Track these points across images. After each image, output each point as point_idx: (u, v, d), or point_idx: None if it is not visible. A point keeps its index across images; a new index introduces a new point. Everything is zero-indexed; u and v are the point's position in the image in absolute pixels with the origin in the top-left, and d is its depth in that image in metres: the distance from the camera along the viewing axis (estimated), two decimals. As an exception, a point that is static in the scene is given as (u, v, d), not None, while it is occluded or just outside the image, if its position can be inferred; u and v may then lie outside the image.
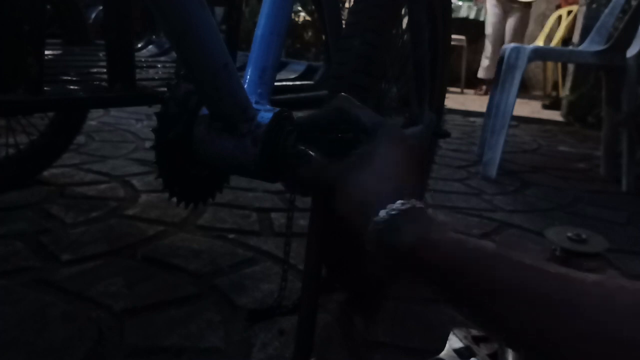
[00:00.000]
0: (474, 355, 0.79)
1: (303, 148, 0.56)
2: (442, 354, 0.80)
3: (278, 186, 1.55)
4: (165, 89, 0.66)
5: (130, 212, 1.32)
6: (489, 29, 4.71)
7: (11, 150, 1.40)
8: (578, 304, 0.32)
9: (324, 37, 1.49)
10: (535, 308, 0.34)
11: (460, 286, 0.38)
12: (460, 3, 4.98)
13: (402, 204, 0.43)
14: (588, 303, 0.32)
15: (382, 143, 0.50)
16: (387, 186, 0.46)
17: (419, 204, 0.45)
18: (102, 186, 1.49)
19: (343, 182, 0.49)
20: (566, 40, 4.39)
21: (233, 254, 1.13)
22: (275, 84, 0.73)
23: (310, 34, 4.21)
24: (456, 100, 4.16)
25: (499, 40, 4.59)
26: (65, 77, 1.01)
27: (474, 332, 0.85)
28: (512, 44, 2.14)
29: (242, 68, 0.72)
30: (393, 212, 0.43)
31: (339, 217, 0.49)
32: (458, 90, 4.85)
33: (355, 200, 0.47)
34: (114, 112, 2.56)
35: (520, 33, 4.64)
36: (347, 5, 3.24)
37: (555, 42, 4.46)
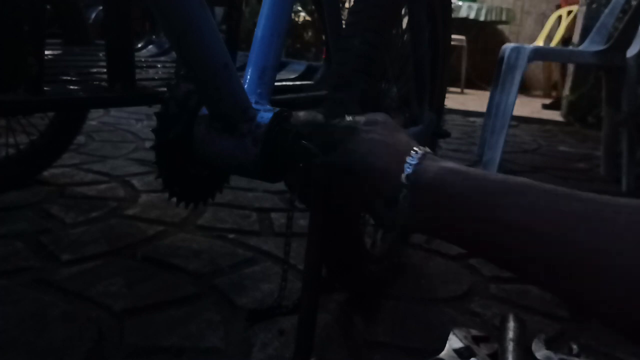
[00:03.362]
0: (474, 355, 0.79)
1: (303, 148, 0.56)
2: (442, 354, 0.80)
3: (278, 186, 1.56)
4: (165, 89, 0.66)
5: (130, 212, 1.32)
6: None
7: (11, 150, 1.40)
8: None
9: (324, 37, 1.49)
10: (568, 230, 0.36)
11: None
12: (460, 3, 4.98)
13: (415, 154, 0.47)
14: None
15: (354, 137, 0.52)
16: (389, 150, 0.49)
17: (426, 149, 0.48)
18: (102, 186, 1.49)
19: (347, 170, 0.50)
20: (566, 40, 4.39)
21: (233, 254, 1.13)
22: (275, 84, 0.73)
23: (310, 34, 4.21)
24: (456, 100, 4.16)
25: None
26: (65, 77, 1.01)
27: (474, 332, 0.85)
28: (512, 44, 2.14)
29: (242, 68, 0.72)
30: (413, 162, 0.46)
31: (353, 194, 0.52)
32: (458, 90, 4.84)
33: (368, 176, 0.48)
34: (114, 112, 2.56)
35: None
36: (347, 5, 3.24)
37: (555, 42, 4.46)
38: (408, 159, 0.46)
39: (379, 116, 0.53)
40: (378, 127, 0.51)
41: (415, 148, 0.48)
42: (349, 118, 0.54)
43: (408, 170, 0.46)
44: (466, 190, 0.42)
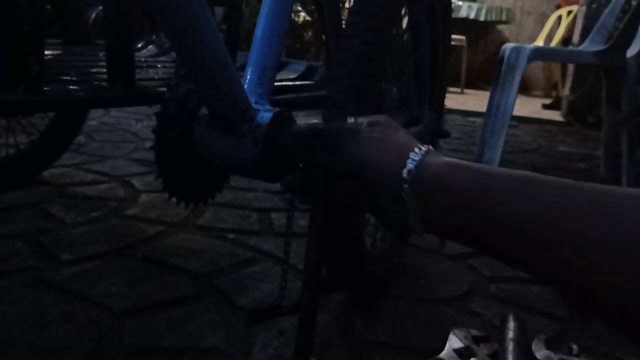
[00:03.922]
0: (474, 355, 0.79)
1: (302, 148, 0.56)
2: (442, 354, 0.80)
3: (278, 186, 1.55)
4: (165, 89, 0.66)
5: (130, 212, 1.32)
6: None
7: (11, 150, 1.40)
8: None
9: (324, 37, 1.49)
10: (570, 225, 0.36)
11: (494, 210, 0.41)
12: (460, 3, 4.98)
13: (416, 153, 0.47)
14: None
15: (353, 139, 0.52)
16: (390, 148, 0.49)
17: (428, 147, 0.48)
18: (102, 186, 1.49)
19: (348, 169, 0.50)
20: (566, 40, 4.39)
21: (233, 254, 1.13)
22: (275, 84, 0.73)
23: (310, 34, 4.20)
24: (456, 100, 4.15)
25: None
26: (65, 77, 1.01)
27: (474, 332, 0.85)
28: (512, 44, 2.14)
29: (242, 68, 0.72)
30: (413, 164, 0.46)
31: (361, 188, 0.52)
32: (458, 90, 4.84)
33: (369, 174, 0.49)
34: (114, 112, 2.56)
35: None
36: (347, 5, 3.24)
37: (555, 42, 4.46)
38: (411, 155, 0.47)
39: (381, 117, 0.54)
40: (379, 127, 0.51)
41: (418, 145, 0.48)
42: (350, 120, 0.54)
43: (410, 165, 0.46)
44: (469, 184, 0.42)
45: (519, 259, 0.40)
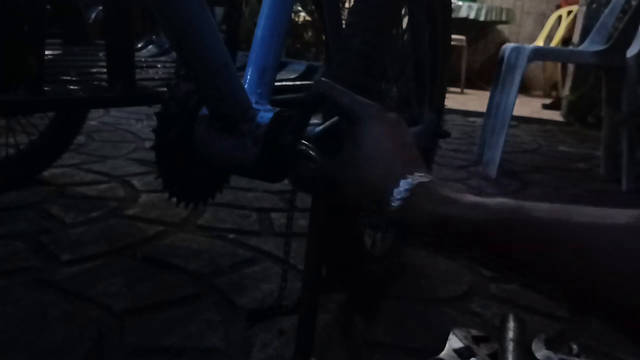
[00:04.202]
0: (474, 355, 0.79)
1: (303, 147, 0.56)
2: (442, 354, 0.80)
3: (278, 186, 1.55)
4: (165, 89, 0.66)
5: (130, 212, 1.32)
6: None
7: (11, 150, 1.40)
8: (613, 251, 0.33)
9: (324, 37, 1.49)
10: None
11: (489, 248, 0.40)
12: (460, 3, 4.98)
13: (412, 181, 0.45)
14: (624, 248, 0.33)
15: (365, 124, 0.51)
16: (388, 163, 0.48)
17: (428, 178, 0.46)
18: (102, 186, 1.49)
19: (343, 175, 0.49)
20: (566, 40, 4.39)
21: (233, 254, 1.13)
22: (275, 84, 0.73)
23: (310, 34, 4.20)
24: (456, 100, 4.15)
25: None
26: (65, 77, 1.01)
27: (474, 332, 0.85)
28: (512, 44, 2.13)
29: (242, 68, 0.72)
30: (405, 192, 0.45)
31: (352, 205, 0.51)
32: (458, 90, 4.84)
33: (362, 187, 0.48)
34: (114, 112, 2.56)
35: None
36: (347, 5, 3.24)
37: (555, 42, 4.46)
38: (396, 190, 0.45)
39: (390, 118, 0.52)
40: (383, 136, 0.50)
41: (407, 177, 0.46)
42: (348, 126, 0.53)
43: (397, 200, 0.45)
44: (457, 236, 0.42)
45: (517, 260, 0.39)
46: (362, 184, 0.48)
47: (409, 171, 0.46)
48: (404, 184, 0.45)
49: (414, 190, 0.45)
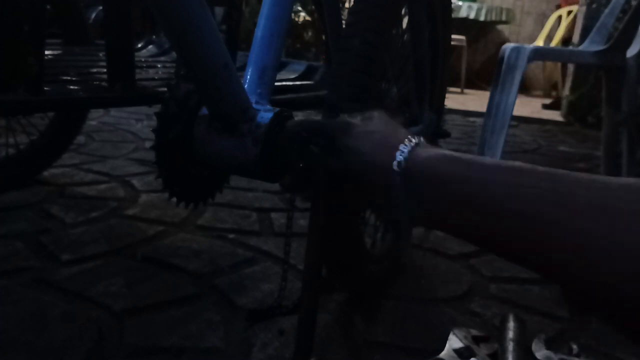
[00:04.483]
0: (474, 355, 0.79)
1: (302, 148, 0.56)
2: (442, 354, 0.80)
3: (278, 186, 1.55)
4: (165, 89, 0.66)
5: (130, 212, 1.32)
6: None
7: (11, 150, 1.40)
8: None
9: (324, 37, 1.49)
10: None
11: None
12: (460, 3, 4.97)
13: (409, 142, 0.47)
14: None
15: (355, 120, 0.53)
16: (383, 134, 0.49)
17: (420, 140, 0.48)
18: (102, 186, 1.49)
19: (345, 154, 0.50)
20: (566, 40, 4.39)
21: (233, 254, 1.13)
22: (275, 84, 0.73)
23: (310, 34, 4.20)
24: (456, 100, 4.15)
25: None
26: (65, 77, 1.01)
27: (474, 332, 0.85)
28: (512, 44, 2.14)
29: (242, 68, 0.72)
30: (403, 156, 0.46)
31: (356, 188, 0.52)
32: (458, 90, 4.84)
33: (364, 161, 0.49)
34: (114, 112, 2.56)
35: None
36: (347, 5, 3.24)
37: (555, 42, 4.46)
38: (401, 147, 0.46)
39: (374, 112, 0.54)
40: (373, 121, 0.52)
41: (408, 137, 0.48)
42: (344, 116, 0.54)
43: (399, 157, 0.46)
44: (459, 176, 0.42)
45: (513, 254, 0.39)
46: (363, 157, 0.49)
47: (404, 138, 0.48)
48: (403, 147, 0.46)
49: (414, 149, 0.46)
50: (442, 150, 0.46)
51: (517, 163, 0.41)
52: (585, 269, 0.34)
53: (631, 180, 0.34)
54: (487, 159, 0.43)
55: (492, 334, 0.85)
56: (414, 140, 0.48)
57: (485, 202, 0.40)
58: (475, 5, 4.98)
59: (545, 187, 0.37)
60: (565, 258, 0.35)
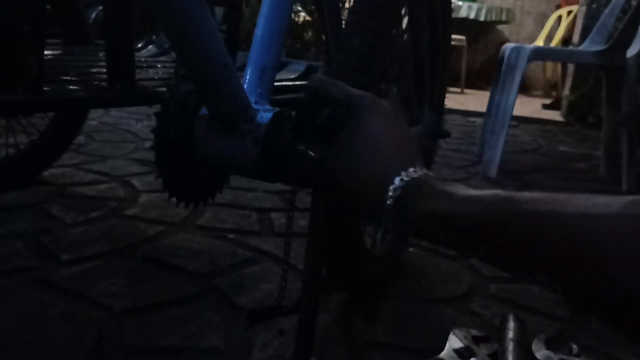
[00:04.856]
0: (474, 355, 0.79)
1: (302, 147, 0.56)
2: (442, 354, 0.80)
3: (278, 186, 1.55)
4: (165, 89, 0.66)
5: (130, 212, 1.32)
6: None
7: (11, 150, 1.40)
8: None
9: (324, 37, 1.49)
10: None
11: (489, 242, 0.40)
12: (460, 3, 4.97)
13: (405, 177, 0.45)
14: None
15: (360, 117, 0.51)
16: (383, 161, 0.48)
17: (422, 173, 0.46)
18: (102, 186, 1.49)
19: (341, 172, 0.49)
20: (566, 40, 4.39)
21: (233, 254, 1.13)
22: (275, 84, 0.73)
23: (310, 34, 4.20)
24: (456, 100, 4.15)
25: None
26: (65, 77, 1.01)
27: (474, 332, 0.85)
28: (512, 44, 2.13)
29: (242, 68, 0.72)
30: (398, 190, 0.45)
31: (351, 199, 0.51)
32: (458, 90, 4.84)
33: (359, 185, 0.48)
34: (114, 112, 2.56)
35: None
36: (347, 5, 3.24)
37: (555, 42, 4.46)
38: (391, 188, 0.45)
39: (384, 107, 0.52)
40: (378, 131, 0.50)
41: (401, 173, 0.46)
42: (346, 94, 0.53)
43: (389, 200, 0.45)
44: (451, 230, 0.42)
45: (511, 252, 0.39)
46: (358, 181, 0.48)
47: (404, 167, 0.46)
48: (397, 181, 0.45)
49: (407, 186, 0.45)
50: (435, 186, 0.44)
51: (506, 194, 0.40)
52: (579, 259, 0.34)
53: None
54: (480, 193, 0.41)
55: (492, 334, 0.85)
56: (410, 175, 0.46)
57: (489, 249, 0.40)
58: (475, 5, 4.98)
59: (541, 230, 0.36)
60: (558, 249, 0.35)
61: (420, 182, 0.45)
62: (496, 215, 0.39)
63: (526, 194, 0.38)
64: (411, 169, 0.46)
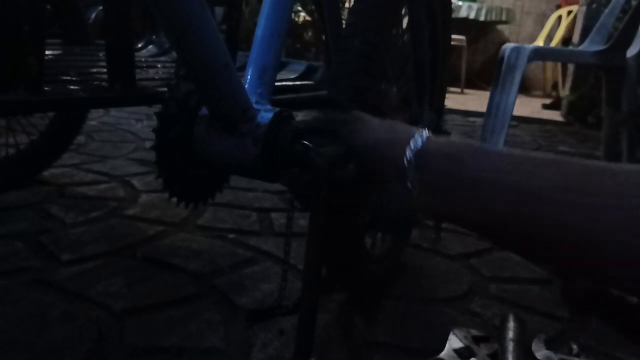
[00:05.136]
0: (474, 355, 0.79)
1: (302, 148, 0.56)
2: (442, 354, 0.80)
3: (278, 186, 1.55)
4: (165, 89, 0.66)
5: (130, 212, 1.32)
6: None
7: (11, 150, 1.40)
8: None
9: (324, 37, 1.49)
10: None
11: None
12: (460, 3, 4.97)
13: (419, 135, 0.47)
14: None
15: (362, 115, 0.54)
16: (394, 127, 0.50)
17: (427, 134, 0.48)
18: (102, 186, 1.49)
19: (362, 140, 0.51)
20: (566, 40, 4.39)
21: (233, 254, 1.13)
22: (275, 84, 0.73)
23: (310, 34, 4.20)
24: (456, 100, 4.15)
25: None
26: (65, 77, 1.01)
27: (474, 332, 0.85)
28: (512, 44, 2.13)
29: (242, 68, 0.72)
30: (418, 142, 0.47)
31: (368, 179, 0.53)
32: (458, 90, 4.84)
33: (383, 145, 0.50)
34: (114, 112, 2.56)
35: None
36: (347, 5, 3.24)
37: (555, 42, 4.46)
38: (416, 134, 0.47)
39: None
40: (372, 117, 0.53)
41: (418, 130, 0.49)
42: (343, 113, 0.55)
43: (417, 141, 0.46)
44: (475, 154, 0.43)
45: (524, 238, 0.39)
46: (380, 147, 0.49)
47: (415, 130, 0.48)
48: (418, 136, 0.47)
49: (429, 138, 0.47)
50: (451, 140, 0.47)
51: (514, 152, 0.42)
52: (585, 258, 0.34)
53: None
54: (496, 151, 0.44)
55: (492, 334, 0.85)
56: (425, 131, 0.48)
57: (502, 178, 0.40)
58: (475, 5, 4.98)
59: (554, 169, 0.38)
60: (564, 250, 0.35)
61: (434, 137, 0.48)
62: (526, 161, 0.40)
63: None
64: (423, 130, 0.48)
